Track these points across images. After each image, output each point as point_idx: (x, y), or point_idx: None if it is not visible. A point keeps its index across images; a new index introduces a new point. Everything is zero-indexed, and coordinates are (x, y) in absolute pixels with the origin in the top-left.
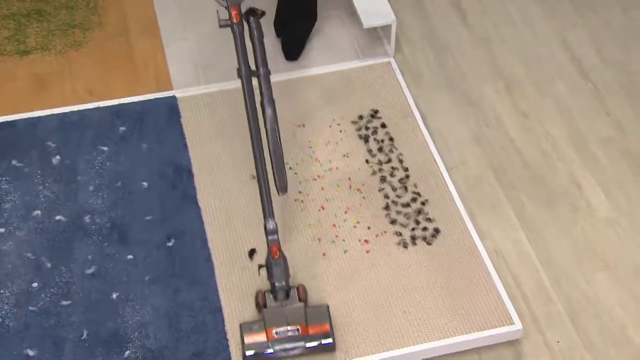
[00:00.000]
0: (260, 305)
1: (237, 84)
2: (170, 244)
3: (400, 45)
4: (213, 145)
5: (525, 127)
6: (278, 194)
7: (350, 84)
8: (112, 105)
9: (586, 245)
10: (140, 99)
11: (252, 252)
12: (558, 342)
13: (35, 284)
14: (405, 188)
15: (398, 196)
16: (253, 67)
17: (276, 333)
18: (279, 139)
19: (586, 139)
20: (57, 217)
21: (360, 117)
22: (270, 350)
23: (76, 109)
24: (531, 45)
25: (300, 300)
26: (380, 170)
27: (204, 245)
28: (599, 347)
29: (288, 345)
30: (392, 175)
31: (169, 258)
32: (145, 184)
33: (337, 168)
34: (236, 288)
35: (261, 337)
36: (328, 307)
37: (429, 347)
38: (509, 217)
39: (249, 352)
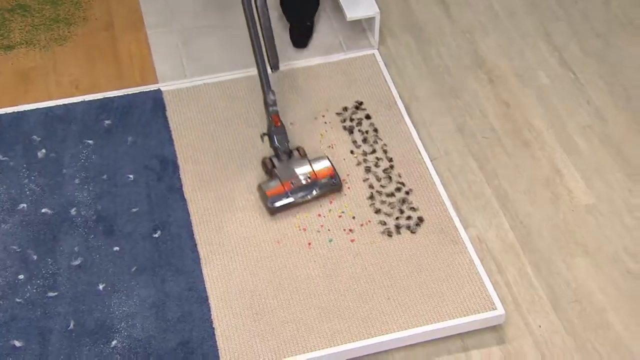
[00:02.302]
0: (270, 168)
1: (221, 77)
2: (156, 235)
3: (384, 37)
4: (198, 137)
5: (507, 116)
6: (272, 70)
7: (335, 76)
8: (97, 99)
9: (567, 232)
10: (126, 93)
11: (264, 135)
12: (540, 326)
13: (21, 276)
14: (390, 178)
15: (382, 186)
16: None
17: (292, 183)
18: (269, 19)
19: (567, 127)
20: (43, 210)
21: (345, 109)
22: (291, 198)
23: (61, 103)
24: (513, 36)
25: (301, 157)
26: (365, 160)
27: (190, 237)
28: (579, 331)
29: (304, 191)
30: (376, 165)
31: (155, 249)
32: (131, 176)
33: None
34: (222, 278)
35: (280, 190)
36: (327, 156)
37: (413, 333)
38: (491, 206)
39: (275, 203)
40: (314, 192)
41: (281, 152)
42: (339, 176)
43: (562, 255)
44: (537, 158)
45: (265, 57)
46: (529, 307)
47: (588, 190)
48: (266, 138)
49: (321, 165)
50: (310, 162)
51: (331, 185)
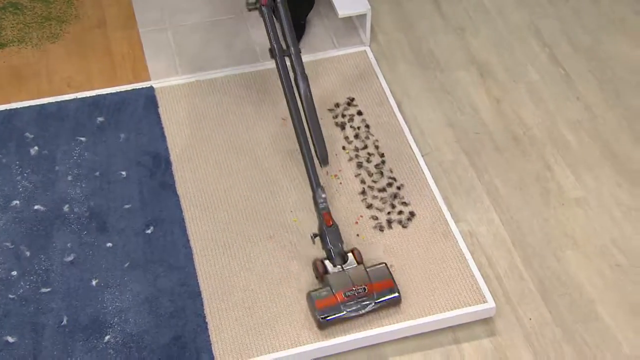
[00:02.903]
0: (321, 272)
1: (213, 74)
2: (149, 231)
3: (375, 34)
4: (191, 134)
5: (498, 112)
6: (321, 165)
7: (327, 73)
8: (90, 97)
9: (557, 226)
10: (118, 90)
11: (315, 235)
12: (530, 319)
13: (14, 272)
14: (381, 173)
15: (374, 181)
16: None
17: (345, 295)
18: (315, 109)
19: (557, 123)
20: (36, 207)
21: (337, 105)
22: (343, 312)
23: (54, 100)
24: (504, 33)
25: (357, 262)
26: (357, 156)
27: (183, 232)
28: (569, 323)
29: (359, 305)
30: (368, 161)
31: (148, 245)
32: (123, 173)
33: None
34: (215, 273)
35: (332, 301)
36: (386, 264)
37: (405, 326)
38: (482, 200)
39: (325, 317)
40: (370, 307)
41: (335, 254)
42: (398, 288)
43: (552, 249)
44: (527, 153)
45: (313, 151)
46: (520, 300)
47: (578, 185)
48: (317, 239)
49: (379, 275)
50: (367, 270)
51: (390, 300)
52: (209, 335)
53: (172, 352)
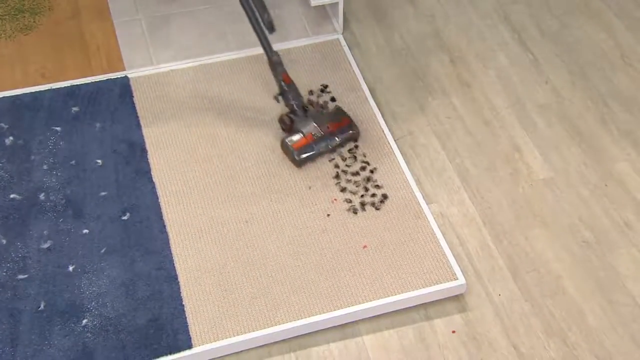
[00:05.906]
0: (289, 124)
1: (187, 63)
2: (125, 217)
3: (348, 22)
4: (166, 122)
5: (468, 97)
6: (269, 32)
7: (301, 61)
8: (65, 87)
9: (525, 205)
10: (93, 80)
11: (277, 96)
12: (499, 295)
13: None
14: (355, 158)
15: (348, 165)
16: None
17: (313, 135)
18: None
19: (526, 106)
20: (12, 196)
21: (311, 92)
22: (315, 149)
23: (28, 91)
24: (474, 19)
25: (317, 110)
26: None
27: (159, 218)
28: (537, 298)
29: (326, 141)
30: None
31: (125, 231)
32: (99, 161)
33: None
34: (191, 257)
35: (304, 142)
36: (340, 107)
37: (378, 304)
38: (453, 182)
39: (301, 155)
40: (336, 140)
41: (298, 107)
42: (355, 124)
43: (521, 228)
44: (497, 136)
45: (260, 21)
46: (489, 277)
47: (546, 165)
48: (281, 98)
49: (338, 117)
50: (326, 115)
51: (350, 133)
52: (185, 317)
53: (149, 334)
